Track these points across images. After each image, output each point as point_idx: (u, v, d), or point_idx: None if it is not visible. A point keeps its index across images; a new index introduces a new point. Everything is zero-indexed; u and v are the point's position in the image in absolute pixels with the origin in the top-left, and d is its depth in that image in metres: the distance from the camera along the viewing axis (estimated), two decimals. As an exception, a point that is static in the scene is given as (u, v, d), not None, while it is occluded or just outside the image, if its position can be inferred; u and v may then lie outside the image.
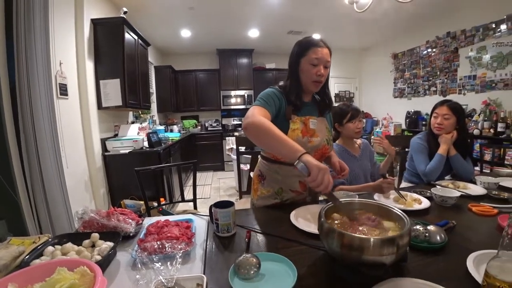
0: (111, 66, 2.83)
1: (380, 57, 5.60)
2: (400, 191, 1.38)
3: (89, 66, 2.70)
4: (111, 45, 2.82)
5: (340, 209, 0.87)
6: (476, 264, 0.76)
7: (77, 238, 0.90)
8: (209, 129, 5.97)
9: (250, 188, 2.04)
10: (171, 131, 5.02)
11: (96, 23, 2.76)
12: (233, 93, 5.86)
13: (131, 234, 0.98)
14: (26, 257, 0.77)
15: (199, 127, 5.99)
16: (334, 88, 6.24)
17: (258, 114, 1.05)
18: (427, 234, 0.89)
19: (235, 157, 3.60)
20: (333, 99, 1.42)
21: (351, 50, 6.16)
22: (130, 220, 1.04)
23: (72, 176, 2.33)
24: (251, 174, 1.55)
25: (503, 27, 3.26)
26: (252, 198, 1.42)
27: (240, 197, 2.13)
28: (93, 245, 0.87)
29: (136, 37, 3.24)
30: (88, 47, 2.67)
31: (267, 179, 1.34)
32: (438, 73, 4.25)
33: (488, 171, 2.54)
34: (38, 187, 1.81)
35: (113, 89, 2.81)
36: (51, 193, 1.89)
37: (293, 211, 1.15)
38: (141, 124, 3.63)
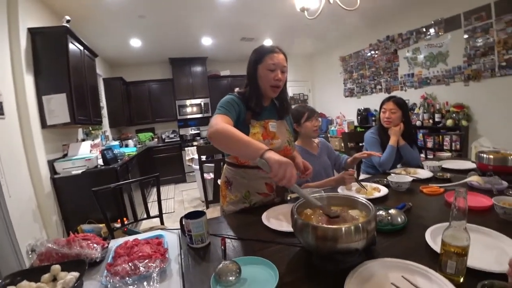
0: (55, 80, 2.59)
1: (330, 60, 5.96)
2: (361, 182, 1.48)
3: (29, 80, 2.43)
4: (53, 57, 2.58)
5: (310, 205, 0.90)
6: (433, 237, 0.86)
7: (34, 274, 0.79)
8: (166, 140, 5.75)
9: (216, 196, 2.02)
10: (127, 146, 4.75)
11: (34, 33, 2.51)
12: (188, 102, 5.73)
13: (97, 260, 0.90)
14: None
15: (156, 140, 5.75)
16: (289, 91, 6.45)
17: (221, 122, 1.06)
18: (389, 218, 0.97)
19: (196, 167, 3.52)
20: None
21: (303, 54, 6.47)
22: (94, 245, 0.96)
23: (17, 206, 2.07)
24: (219, 181, 1.54)
25: (431, 30, 3.70)
26: (222, 205, 1.41)
27: (207, 207, 2.09)
28: (54, 279, 0.78)
29: (82, 48, 3.02)
30: (26, 60, 2.41)
31: (234, 184, 1.34)
32: (382, 72, 4.65)
33: (431, 157, 2.84)
34: (-25, 221, 1.58)
35: (58, 105, 2.57)
36: (-9, 227, 1.66)
37: (264, 213, 1.16)
38: (93, 141, 3.38)
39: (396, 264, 0.72)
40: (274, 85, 1.24)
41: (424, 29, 3.80)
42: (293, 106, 1.89)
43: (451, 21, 3.43)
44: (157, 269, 0.80)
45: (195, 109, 5.78)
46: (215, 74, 5.96)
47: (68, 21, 2.71)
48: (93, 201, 1.55)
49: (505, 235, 0.84)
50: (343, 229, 0.68)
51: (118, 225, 1.86)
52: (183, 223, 0.97)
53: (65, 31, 2.62)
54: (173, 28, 3.99)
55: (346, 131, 5.09)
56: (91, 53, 3.32)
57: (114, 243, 1.03)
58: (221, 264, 0.75)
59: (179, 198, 4.50)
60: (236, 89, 1.35)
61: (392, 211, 1.00)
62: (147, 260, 0.85)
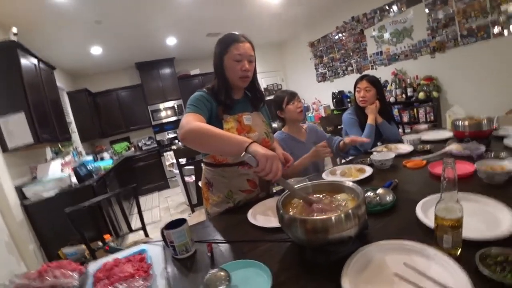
0: (10, 98, 2.37)
1: (299, 47, 5.94)
2: (346, 165, 1.46)
3: (-20, 103, 2.23)
4: (4, 74, 2.36)
5: (295, 196, 0.85)
6: (424, 211, 0.84)
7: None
8: (143, 148, 5.54)
9: (200, 199, 1.94)
10: (102, 159, 4.53)
11: (-22, 51, 2.30)
12: (161, 106, 5.52)
13: (76, 289, 0.82)
14: None
15: (133, 149, 5.53)
16: (262, 82, 6.44)
17: (193, 121, 0.99)
18: (378, 198, 0.95)
19: (177, 171, 3.40)
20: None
21: (271, 44, 6.41)
22: (70, 273, 0.86)
23: (-15, 240, 1.90)
24: (199, 183, 1.46)
25: (394, 7, 3.76)
26: (206, 208, 1.35)
27: (193, 211, 2.01)
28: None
29: (36, 61, 2.80)
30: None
31: (215, 185, 1.28)
32: (351, 54, 4.69)
33: (409, 130, 2.89)
34: None
35: (18, 125, 2.36)
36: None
37: (250, 210, 1.11)
38: (63, 159, 3.17)
39: (391, 246, 0.69)
40: (242, 75, 1.18)
41: (387, 7, 3.84)
42: (271, 97, 1.82)
43: (412, -4, 3.49)
44: (141, 288, 0.73)
45: (169, 112, 5.58)
46: (184, 74, 5.77)
47: (15, 34, 2.49)
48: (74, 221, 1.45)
49: (492, 199, 0.83)
50: (333, 218, 0.64)
51: (101, 243, 1.75)
52: (164, 234, 0.90)
53: (15, 45, 2.42)
54: (134, 31, 3.79)
55: (324, 115, 5.12)
56: (47, 66, 3.10)
57: (93, 266, 0.94)
58: (208, 274, 0.69)
59: (164, 205, 4.36)
60: (207, 85, 1.28)
61: (379, 190, 0.98)
62: (129, 280, 0.78)
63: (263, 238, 0.90)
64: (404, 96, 3.77)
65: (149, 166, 5.25)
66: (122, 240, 2.95)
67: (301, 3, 3.94)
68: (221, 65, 1.19)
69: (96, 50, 4.15)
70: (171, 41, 4.54)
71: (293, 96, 1.75)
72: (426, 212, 0.85)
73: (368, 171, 1.34)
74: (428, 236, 0.73)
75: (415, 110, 3.57)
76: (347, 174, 1.36)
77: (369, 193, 0.96)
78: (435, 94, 3.39)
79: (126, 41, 4.08)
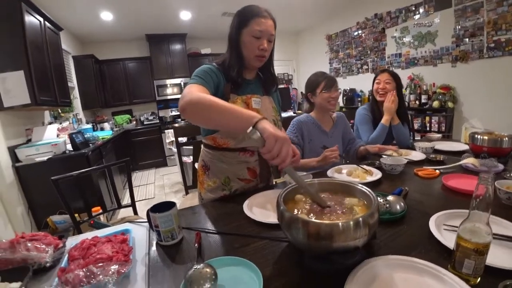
0: (10, 56, 2.26)
1: (315, 39, 5.76)
2: (353, 165, 1.37)
3: (-23, 57, 2.13)
4: (6, 30, 2.24)
5: (304, 192, 0.76)
6: (438, 227, 0.76)
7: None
8: (145, 123, 5.45)
9: (196, 182, 1.86)
10: (102, 129, 4.45)
11: (-21, 2, 2.17)
12: (168, 82, 5.40)
13: (47, 265, 0.74)
14: None
15: (134, 122, 5.43)
16: (273, 70, 6.29)
17: (196, 91, 0.89)
18: (387, 205, 0.86)
19: (176, 150, 3.33)
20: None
21: (287, 32, 6.22)
22: (44, 246, 0.79)
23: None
24: (196, 165, 1.38)
25: (421, 9, 3.58)
26: (200, 192, 1.27)
27: (186, 193, 1.95)
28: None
29: (41, 20, 2.67)
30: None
31: (212, 169, 1.19)
32: (369, 52, 4.53)
33: (419, 138, 2.79)
34: None
35: (16, 84, 2.27)
36: None
37: (246, 201, 1.03)
38: (61, 124, 3.09)
39: (401, 263, 0.61)
40: (259, 54, 1.07)
41: (413, 8, 3.67)
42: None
43: (442, 0, 3.31)
44: (114, 276, 0.65)
45: (175, 89, 5.46)
46: (195, 52, 5.61)
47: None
48: (64, 190, 1.40)
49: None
50: (340, 224, 0.56)
51: (89, 216, 1.68)
52: (150, 217, 0.82)
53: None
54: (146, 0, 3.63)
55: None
56: (54, 26, 2.97)
57: (72, 241, 0.87)
58: (193, 270, 0.61)
59: (160, 183, 4.31)
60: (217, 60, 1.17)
61: (390, 197, 0.89)
62: (105, 264, 0.71)
63: (258, 234, 0.82)
64: (417, 102, 3.65)
65: (149, 141, 5.18)
66: (112, 215, 2.90)
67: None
68: (237, 39, 1.08)
69: (107, 16, 4.00)
70: (185, 15, 4.37)
71: (332, 82, 1.58)
72: (440, 227, 0.77)
73: (376, 174, 1.26)
74: (442, 256, 0.65)
75: (427, 118, 3.44)
76: (354, 175, 1.28)
77: (379, 199, 0.88)
78: (450, 104, 3.26)
79: (138, 9, 3.92)
